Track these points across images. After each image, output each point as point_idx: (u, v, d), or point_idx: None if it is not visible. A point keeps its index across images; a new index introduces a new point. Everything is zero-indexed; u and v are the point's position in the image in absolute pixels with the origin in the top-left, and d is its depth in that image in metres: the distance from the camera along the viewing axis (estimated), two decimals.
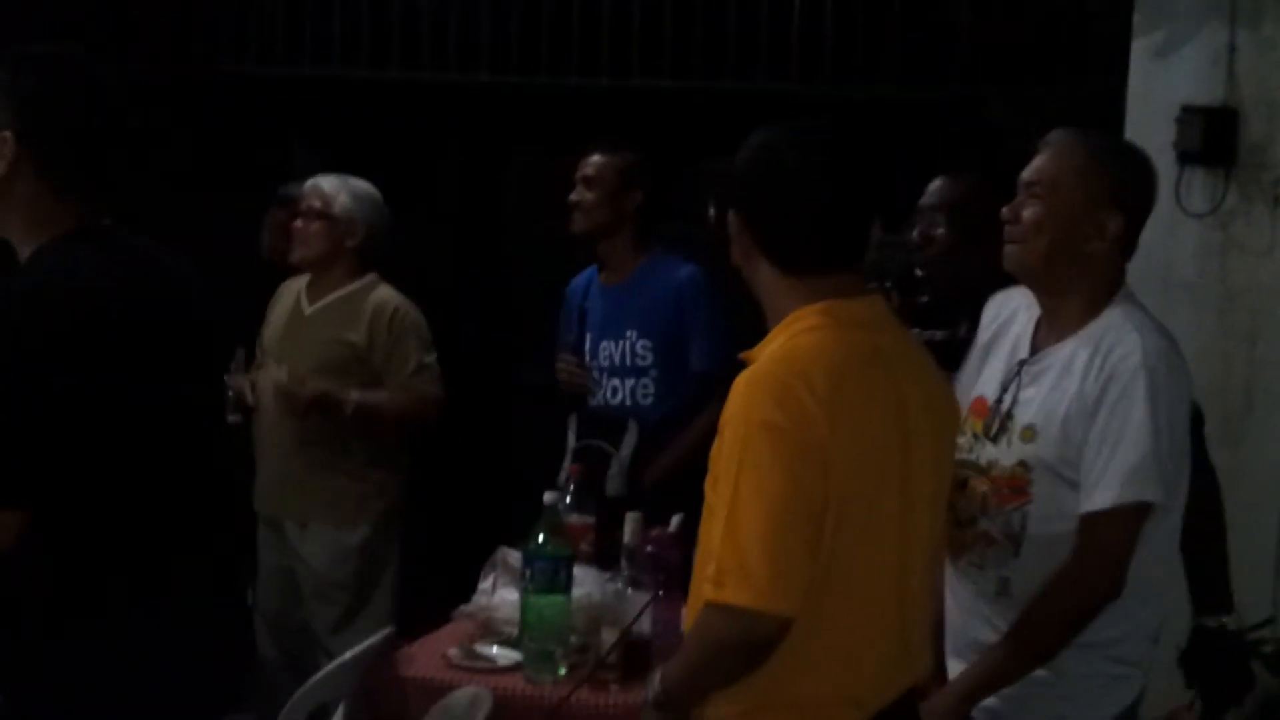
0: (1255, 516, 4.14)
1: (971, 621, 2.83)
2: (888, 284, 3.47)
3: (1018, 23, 5.02)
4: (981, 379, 2.91)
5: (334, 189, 4.42)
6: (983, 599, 2.81)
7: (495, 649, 3.40)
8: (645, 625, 3.28)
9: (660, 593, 3.35)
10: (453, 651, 3.37)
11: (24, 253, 2.43)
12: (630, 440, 4.43)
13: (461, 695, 3.14)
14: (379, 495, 4.40)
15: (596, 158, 4.50)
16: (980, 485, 2.79)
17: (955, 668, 2.84)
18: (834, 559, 2.31)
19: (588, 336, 4.57)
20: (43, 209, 2.41)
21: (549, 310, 4.78)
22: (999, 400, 2.83)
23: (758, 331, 2.48)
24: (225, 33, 5.82)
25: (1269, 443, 4.16)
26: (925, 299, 3.61)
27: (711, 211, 5.05)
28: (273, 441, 4.38)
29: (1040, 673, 2.74)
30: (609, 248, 4.55)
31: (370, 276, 4.44)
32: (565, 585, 3.34)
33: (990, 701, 2.77)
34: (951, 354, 3.04)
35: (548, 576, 3.31)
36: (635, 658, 3.22)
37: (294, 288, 4.52)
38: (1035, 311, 2.87)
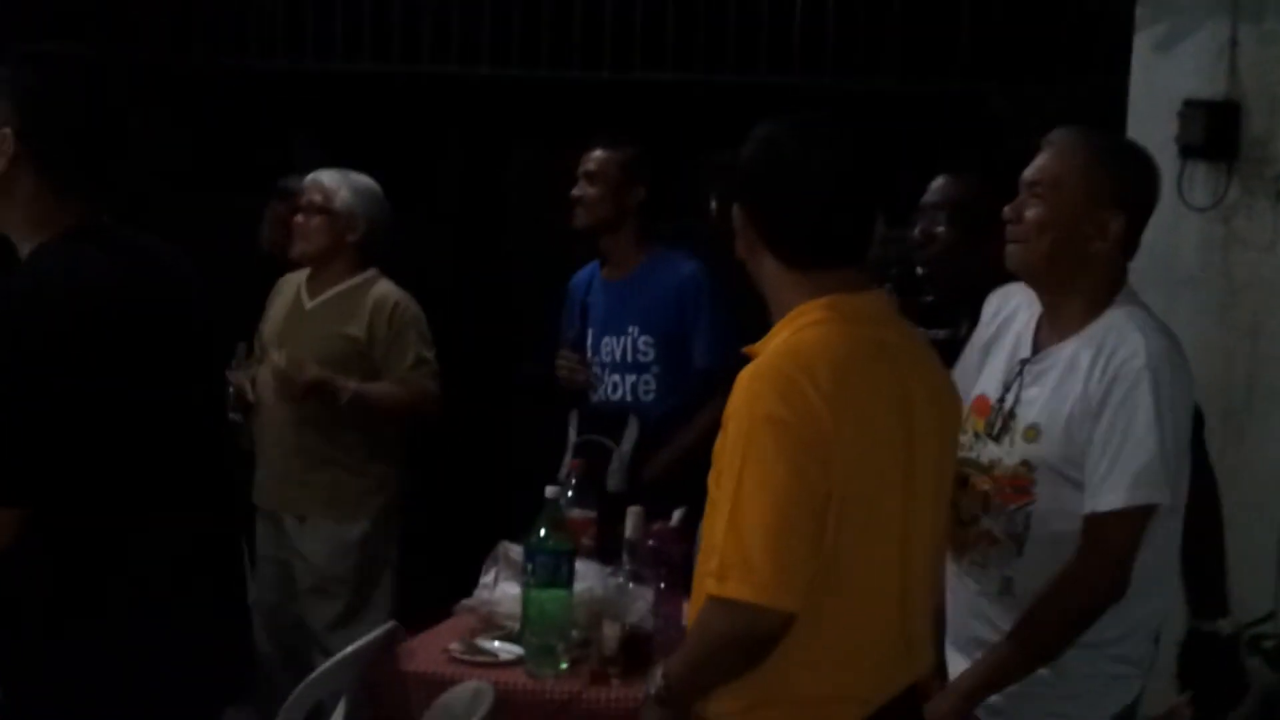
0: (1257, 512, 4.13)
1: (973, 620, 2.83)
2: (887, 285, 3.47)
3: (1020, 17, 5.01)
4: (983, 377, 2.90)
5: (335, 183, 4.42)
6: (985, 598, 2.81)
7: (497, 643, 3.40)
8: (646, 620, 3.28)
9: (662, 587, 3.35)
10: (454, 646, 3.38)
11: (24, 250, 2.43)
12: (631, 435, 4.43)
13: (463, 690, 3.14)
14: (379, 490, 4.40)
15: (599, 152, 4.49)
16: (982, 484, 2.79)
17: (956, 665, 2.84)
18: (836, 554, 2.31)
19: (589, 332, 4.56)
20: (43, 207, 2.41)
21: (550, 306, 4.78)
22: (1001, 399, 2.83)
23: (761, 326, 2.48)
24: (226, 27, 5.81)
25: (1271, 438, 4.15)
26: (930, 299, 3.61)
27: (713, 205, 5.05)
28: (273, 437, 4.38)
29: (1042, 671, 2.74)
30: (611, 243, 4.54)
31: (371, 271, 4.44)
32: (567, 580, 3.34)
33: (992, 700, 2.77)
34: (954, 353, 3.04)
35: (549, 571, 3.31)
36: (636, 652, 3.22)
37: (294, 282, 4.51)
38: (1036, 309, 2.87)
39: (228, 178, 5.70)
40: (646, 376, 4.48)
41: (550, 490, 3.47)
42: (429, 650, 3.39)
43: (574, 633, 3.34)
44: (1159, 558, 2.77)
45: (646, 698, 2.44)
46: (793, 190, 2.41)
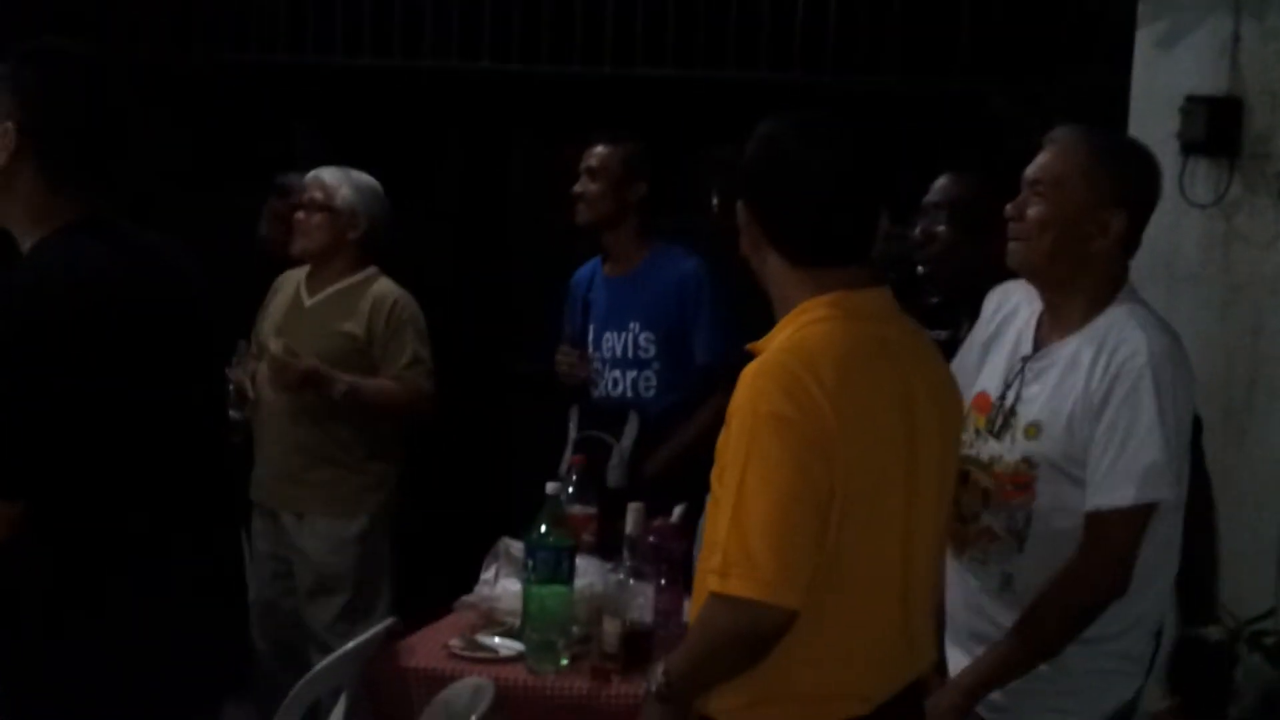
0: (1257, 509, 4.13)
1: (973, 616, 2.84)
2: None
3: (1021, 14, 5.01)
4: (983, 374, 2.91)
5: (336, 181, 4.41)
6: (985, 594, 2.82)
7: (497, 639, 3.40)
8: (647, 616, 3.28)
9: (662, 583, 3.35)
10: (455, 642, 3.38)
11: (25, 244, 2.43)
12: (631, 431, 4.43)
13: (463, 686, 3.14)
14: (378, 487, 4.39)
15: (600, 148, 4.50)
16: (983, 481, 2.80)
17: (956, 661, 2.85)
18: (839, 552, 2.30)
19: (590, 328, 4.57)
20: (44, 201, 2.41)
21: (551, 302, 4.78)
22: (1002, 397, 2.83)
23: (763, 323, 2.48)
24: (227, 22, 5.81)
25: (1272, 435, 4.15)
26: (934, 300, 3.62)
27: (714, 201, 5.06)
28: (272, 434, 4.37)
29: (1042, 668, 2.75)
30: (613, 239, 4.55)
31: (371, 269, 4.43)
32: (567, 575, 3.34)
33: (993, 696, 2.78)
34: (955, 354, 3.04)
35: (550, 567, 3.31)
36: (637, 648, 3.22)
37: (293, 279, 4.51)
38: (1037, 306, 2.87)
39: (229, 173, 5.69)
40: (647, 372, 4.48)
41: (551, 486, 3.47)
42: (429, 646, 3.39)
43: (574, 629, 3.34)
44: (1160, 555, 2.78)
45: (647, 694, 2.44)
46: (795, 188, 2.40)
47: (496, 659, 3.31)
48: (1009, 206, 2.82)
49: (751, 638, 2.30)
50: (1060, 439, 2.73)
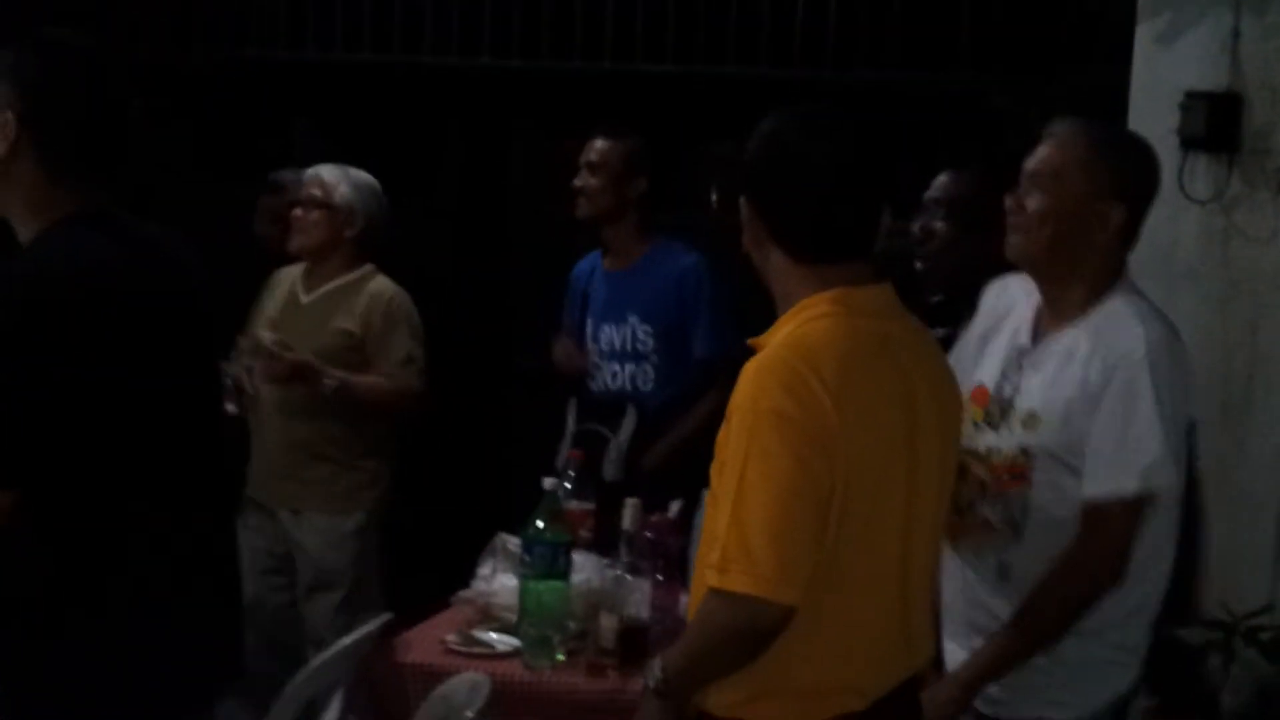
0: (1255, 504, 4.13)
1: (970, 608, 2.84)
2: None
3: (1021, 10, 5.00)
4: (980, 367, 2.91)
5: (334, 178, 4.41)
6: (982, 585, 2.82)
7: (494, 635, 3.41)
8: (643, 611, 3.28)
9: (659, 578, 3.35)
10: (451, 637, 3.38)
11: (24, 235, 2.42)
12: (629, 425, 4.44)
13: (460, 681, 3.14)
14: (373, 484, 4.39)
15: (600, 143, 4.51)
16: (980, 472, 2.80)
17: (953, 653, 2.86)
18: (838, 548, 2.31)
19: (589, 321, 4.58)
20: (43, 192, 2.40)
21: (551, 297, 4.78)
22: (999, 388, 2.83)
23: (762, 318, 2.48)
24: (227, 18, 5.80)
25: (1270, 431, 4.14)
26: (937, 298, 3.62)
27: (714, 197, 5.06)
28: (268, 430, 4.37)
29: (1038, 660, 2.75)
30: (613, 233, 4.56)
31: (367, 267, 4.43)
32: (564, 571, 3.35)
33: (990, 690, 2.79)
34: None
35: (547, 562, 3.32)
36: (633, 644, 3.22)
37: (289, 276, 4.50)
38: (1034, 299, 2.88)
39: (228, 169, 5.69)
40: (645, 366, 4.49)
41: (548, 482, 3.48)
42: (426, 642, 3.39)
43: (571, 624, 3.34)
44: (1157, 545, 2.78)
45: (645, 689, 2.44)
46: (798, 184, 2.40)
47: (493, 654, 3.32)
48: (1009, 199, 2.83)
49: (750, 633, 2.30)
50: (1057, 429, 2.74)
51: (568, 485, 3.72)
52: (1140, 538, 2.72)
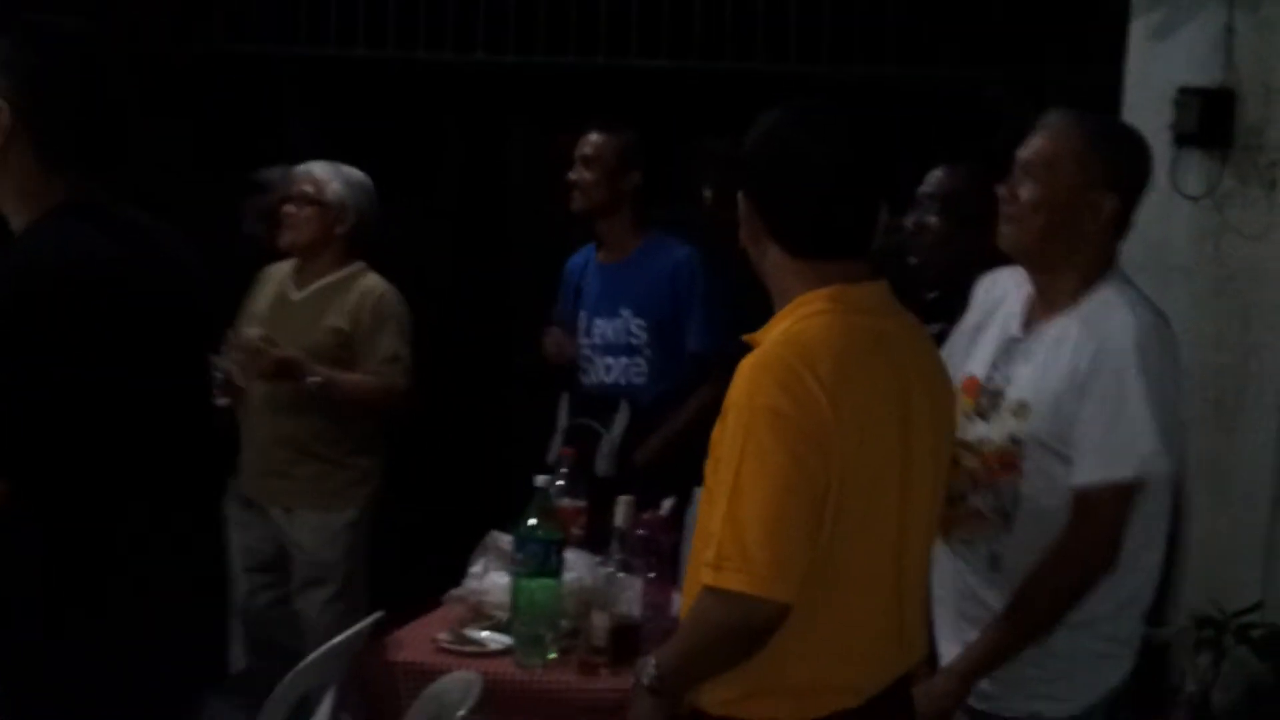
0: (1246, 500, 4.13)
1: (962, 600, 2.84)
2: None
3: (1016, 5, 4.99)
4: (972, 358, 2.92)
5: (326, 175, 4.41)
6: (974, 575, 2.82)
7: (485, 633, 3.41)
8: (635, 609, 3.28)
9: (651, 576, 3.35)
10: (443, 636, 3.38)
11: (16, 225, 2.40)
12: (621, 420, 4.44)
13: (451, 680, 3.14)
14: (364, 481, 4.39)
15: (595, 137, 4.51)
16: (970, 462, 2.80)
17: (946, 644, 2.86)
18: (833, 546, 2.31)
19: (582, 314, 4.58)
20: (37, 182, 2.38)
21: (549, 293, 4.77)
22: (990, 378, 2.85)
23: (756, 313, 2.48)
24: (221, 13, 5.80)
25: (1260, 427, 4.14)
26: (933, 295, 3.63)
27: (707, 193, 5.05)
28: (257, 429, 4.37)
29: (1029, 653, 2.75)
30: (607, 227, 4.57)
31: (358, 264, 4.43)
32: (556, 569, 3.35)
33: (982, 685, 2.79)
34: None
35: (538, 560, 3.32)
36: (625, 642, 3.22)
37: (279, 272, 4.50)
38: (1025, 290, 2.89)
39: (222, 165, 5.68)
40: (638, 359, 4.50)
41: (540, 479, 3.48)
42: (417, 640, 3.39)
43: (563, 622, 3.34)
44: (1148, 533, 2.79)
45: (638, 687, 2.43)
46: (797, 180, 2.40)
47: (484, 653, 3.32)
48: (1002, 188, 2.84)
49: (745, 632, 2.30)
50: (1047, 417, 2.74)
51: (560, 483, 3.72)
52: (1131, 526, 2.72)
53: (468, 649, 3.33)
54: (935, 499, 2.52)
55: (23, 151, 2.37)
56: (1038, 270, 2.85)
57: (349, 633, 3.38)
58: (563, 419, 4.54)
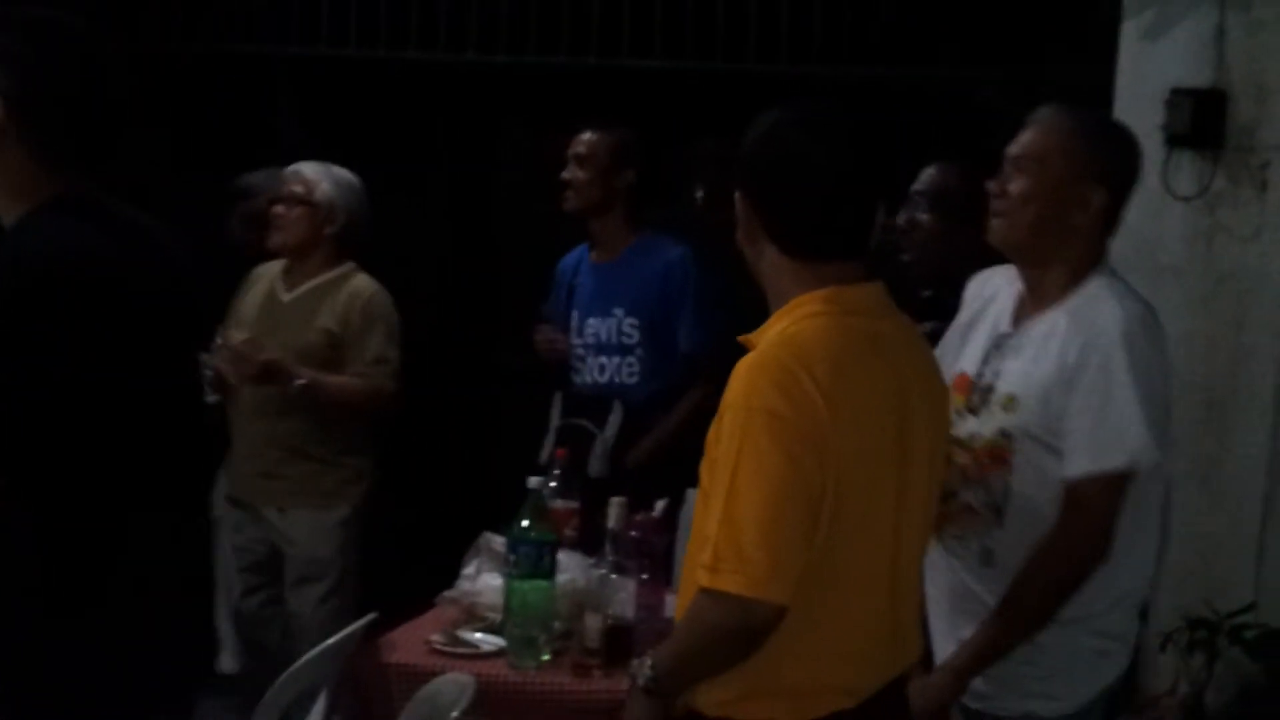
0: (1239, 502, 4.14)
1: (956, 596, 2.85)
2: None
3: (1008, 5, 5.00)
4: (963, 356, 2.94)
5: (316, 175, 4.40)
6: (967, 571, 2.83)
7: (479, 635, 3.40)
8: (628, 611, 3.28)
9: (644, 578, 3.35)
10: (436, 637, 3.38)
11: (7, 220, 2.39)
12: (615, 421, 4.43)
13: (444, 682, 3.14)
14: (356, 480, 4.39)
15: (589, 135, 4.50)
16: (961, 458, 2.81)
17: (941, 643, 2.86)
18: (829, 548, 2.31)
19: (574, 313, 4.57)
20: (28, 176, 2.37)
21: (539, 293, 4.77)
22: (980, 374, 2.86)
23: (749, 314, 2.48)
24: (210, 13, 5.78)
25: (1253, 428, 4.15)
26: (928, 293, 3.64)
27: (699, 193, 5.05)
28: (247, 429, 4.36)
29: (1023, 652, 2.75)
30: (600, 226, 4.56)
31: (348, 264, 4.42)
32: (549, 570, 3.34)
33: (976, 685, 2.79)
34: None
35: (532, 561, 3.31)
36: (619, 644, 3.22)
37: (268, 273, 4.49)
38: (1016, 287, 2.91)
39: (211, 164, 5.66)
40: (630, 359, 4.49)
41: (533, 480, 3.47)
42: (410, 642, 3.38)
43: (556, 624, 3.34)
44: (1140, 526, 2.79)
45: (633, 688, 2.43)
46: (797, 183, 2.40)
47: (478, 654, 3.31)
48: (992, 183, 2.85)
49: (741, 633, 2.30)
50: (1036, 409, 2.76)
51: (552, 484, 3.72)
52: (1123, 520, 2.73)
53: (461, 650, 3.33)
54: (931, 500, 2.53)
55: (15, 144, 2.36)
56: (1028, 265, 2.87)
57: (342, 634, 3.38)
58: (555, 419, 4.53)
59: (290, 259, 4.42)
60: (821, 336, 2.35)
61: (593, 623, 3.25)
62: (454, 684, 3.10)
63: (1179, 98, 4.27)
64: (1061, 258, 2.81)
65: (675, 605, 2.59)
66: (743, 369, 2.34)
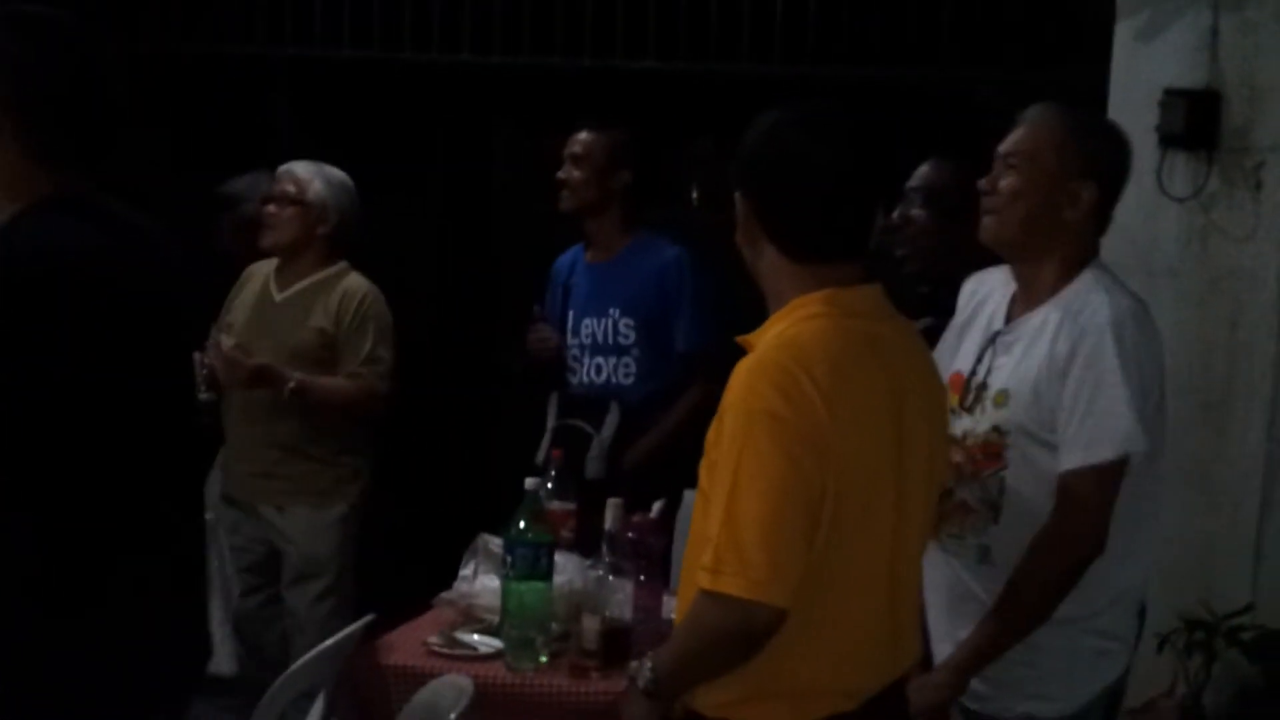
0: (1235, 503, 4.13)
1: (953, 595, 2.86)
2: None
3: (1002, 5, 5.00)
4: (958, 356, 2.95)
5: (308, 175, 4.40)
6: (964, 570, 2.84)
7: (476, 636, 3.41)
8: (626, 612, 3.27)
9: (641, 579, 3.35)
10: (433, 639, 3.38)
11: (2, 217, 2.38)
12: (612, 422, 4.43)
13: (442, 683, 3.14)
14: (353, 479, 4.39)
15: (585, 135, 4.50)
16: (955, 456, 2.82)
17: (940, 644, 2.87)
18: (829, 549, 2.31)
19: (570, 314, 4.57)
20: (21, 173, 2.36)
21: (535, 292, 4.76)
22: (974, 372, 2.87)
23: (746, 314, 2.48)
24: (204, 13, 5.77)
25: (1249, 429, 4.15)
26: (925, 290, 3.66)
27: (694, 193, 5.06)
28: (243, 429, 4.36)
29: (1020, 652, 2.75)
30: (596, 226, 4.55)
31: (341, 264, 4.42)
32: (546, 572, 3.34)
33: (974, 685, 2.80)
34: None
35: (529, 563, 3.31)
36: (616, 645, 3.22)
37: (261, 273, 4.48)
38: (1010, 288, 2.93)
39: (207, 165, 5.65)
40: (626, 359, 4.49)
41: (530, 482, 3.47)
42: (408, 643, 3.38)
43: (553, 626, 3.34)
44: (1136, 520, 2.80)
45: (633, 690, 2.44)
46: (798, 184, 2.40)
47: (475, 656, 3.32)
48: (983, 180, 2.87)
49: (742, 636, 2.30)
50: (1028, 404, 2.77)
51: (549, 485, 3.72)
52: (1120, 516, 2.73)
53: (458, 652, 3.33)
54: (930, 502, 2.54)
55: (10, 144, 2.36)
56: (1019, 261, 2.89)
57: (340, 635, 3.38)
58: (551, 420, 4.52)
59: (283, 258, 4.42)
60: (821, 338, 2.36)
61: (590, 624, 3.25)
62: (452, 686, 3.11)
63: (1173, 98, 4.27)
64: (1053, 254, 2.83)
65: (673, 607, 2.59)
66: (742, 371, 2.34)
